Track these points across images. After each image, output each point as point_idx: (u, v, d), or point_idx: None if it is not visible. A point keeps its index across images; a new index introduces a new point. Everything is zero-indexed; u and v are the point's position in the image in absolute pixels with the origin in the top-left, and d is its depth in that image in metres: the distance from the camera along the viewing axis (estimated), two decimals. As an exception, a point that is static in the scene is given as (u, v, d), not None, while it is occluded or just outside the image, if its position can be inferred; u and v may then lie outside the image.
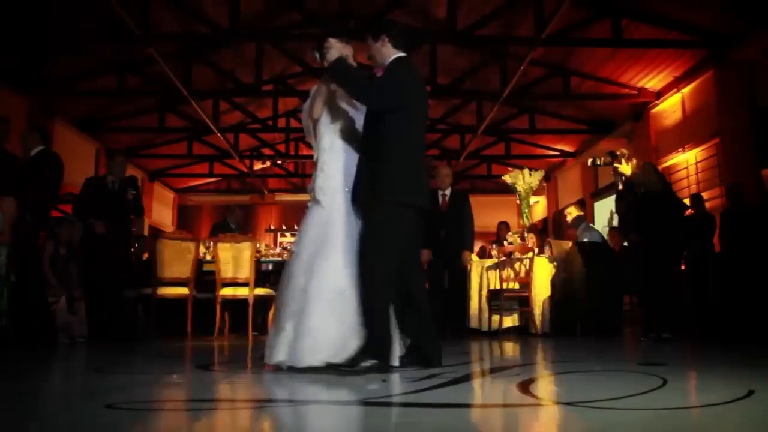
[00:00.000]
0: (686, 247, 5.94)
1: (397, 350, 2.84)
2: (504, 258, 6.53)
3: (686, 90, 8.06)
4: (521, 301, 6.30)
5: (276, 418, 1.78)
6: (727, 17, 6.61)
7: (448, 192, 6.16)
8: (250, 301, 5.89)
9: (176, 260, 6.03)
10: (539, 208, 13.71)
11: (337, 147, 3.01)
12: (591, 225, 7.02)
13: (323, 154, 3.01)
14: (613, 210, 5.71)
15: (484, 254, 8.87)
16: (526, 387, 2.16)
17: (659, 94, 8.57)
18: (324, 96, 3.00)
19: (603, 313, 5.90)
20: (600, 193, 10.89)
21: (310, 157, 3.22)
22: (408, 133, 2.87)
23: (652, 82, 8.43)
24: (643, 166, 5.33)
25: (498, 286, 6.25)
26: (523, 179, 6.67)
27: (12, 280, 4.60)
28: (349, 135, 3.03)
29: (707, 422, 1.62)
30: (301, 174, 13.72)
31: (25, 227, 4.78)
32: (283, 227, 13.98)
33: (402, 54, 2.97)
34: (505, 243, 6.91)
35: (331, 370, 2.61)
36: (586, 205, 10.46)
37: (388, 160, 2.82)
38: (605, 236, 7.03)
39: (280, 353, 2.71)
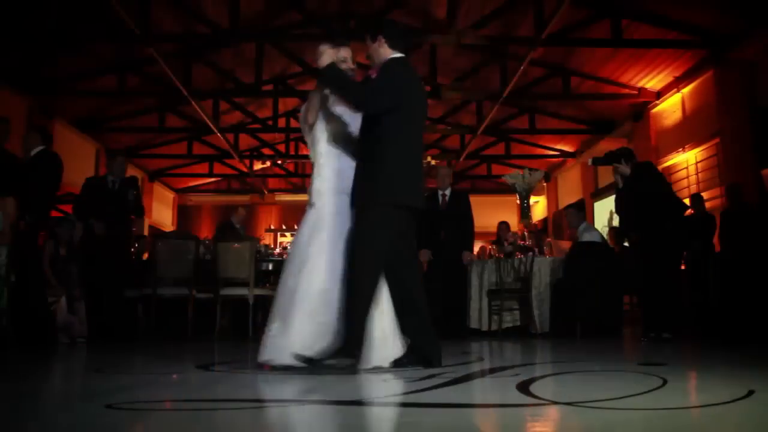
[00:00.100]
0: (686, 247, 5.94)
1: (378, 351, 2.84)
2: (504, 258, 6.52)
3: (686, 90, 8.06)
4: (521, 301, 6.30)
5: (275, 418, 1.78)
6: (727, 17, 6.61)
7: (448, 192, 6.16)
8: (251, 301, 5.88)
9: (176, 260, 6.02)
10: (539, 208, 13.72)
11: (332, 151, 3.04)
12: (591, 225, 7.02)
13: (319, 158, 3.05)
14: (613, 210, 5.71)
15: (484, 254, 8.87)
16: (526, 387, 2.15)
17: (659, 94, 8.57)
18: (318, 101, 3.03)
19: (603, 313, 5.89)
20: (600, 193, 10.89)
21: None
22: (404, 133, 2.86)
23: (652, 82, 8.43)
24: (636, 165, 5.31)
25: (498, 286, 6.24)
26: (524, 179, 6.67)
27: (12, 280, 4.60)
28: (344, 138, 3.04)
29: (707, 422, 1.62)
30: (301, 174, 13.72)
31: (26, 227, 4.78)
32: (283, 227, 13.98)
33: (399, 54, 2.96)
34: (505, 243, 6.91)
35: (323, 369, 2.62)
36: (585, 205, 10.46)
37: (383, 161, 2.82)
38: (605, 236, 7.03)
39: (264, 352, 2.80)
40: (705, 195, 7.01)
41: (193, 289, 5.99)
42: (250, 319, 5.83)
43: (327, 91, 3.04)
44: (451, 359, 3.25)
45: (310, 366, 2.64)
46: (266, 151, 12.57)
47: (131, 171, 9.23)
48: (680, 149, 8.22)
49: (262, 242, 9.00)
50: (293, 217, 13.04)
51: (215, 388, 2.38)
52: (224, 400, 2.05)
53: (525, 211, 6.92)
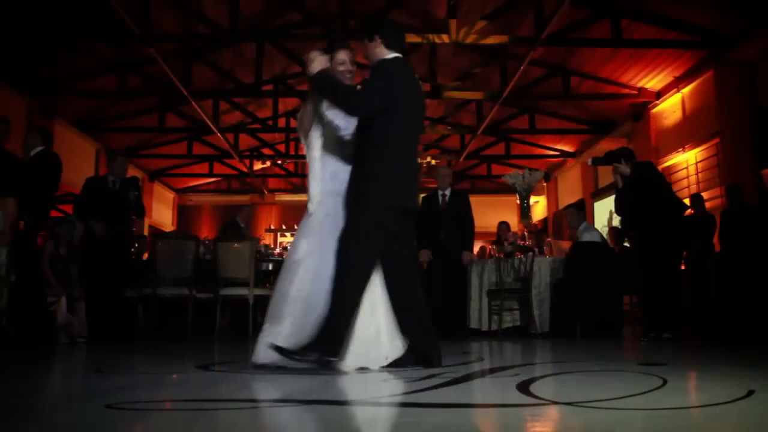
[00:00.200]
0: (686, 247, 5.94)
1: (373, 351, 2.83)
2: (504, 258, 6.52)
3: (686, 90, 8.06)
4: (521, 301, 6.30)
5: (275, 418, 1.78)
6: (727, 17, 6.61)
7: (448, 192, 6.16)
8: (251, 301, 5.88)
9: (176, 260, 6.02)
10: (539, 208, 13.72)
11: (328, 154, 3.05)
12: (591, 225, 7.02)
13: (314, 163, 3.07)
14: (613, 210, 5.70)
15: (484, 254, 8.87)
16: (526, 387, 2.15)
17: (659, 94, 8.57)
18: (313, 107, 3.04)
19: (603, 313, 5.90)
20: (600, 193, 10.89)
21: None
22: (398, 133, 2.84)
23: (652, 82, 8.43)
24: (636, 165, 5.30)
25: (498, 286, 6.24)
26: (524, 179, 6.68)
27: (12, 280, 4.60)
28: (339, 142, 3.04)
29: (707, 422, 1.62)
30: (301, 174, 13.72)
31: (26, 227, 4.79)
32: (283, 227, 14.00)
33: (396, 54, 2.94)
34: (505, 243, 6.91)
35: (294, 362, 2.65)
36: (585, 205, 10.46)
37: (376, 162, 2.81)
38: (605, 236, 7.03)
39: (255, 353, 2.87)
40: (705, 195, 7.01)
41: (193, 289, 5.99)
42: (250, 319, 5.83)
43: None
44: (451, 359, 3.25)
45: (282, 356, 2.66)
46: (266, 151, 12.57)
47: (131, 171, 9.22)
48: (680, 149, 8.22)
49: (262, 242, 9.01)
50: (293, 217, 13.05)
51: (215, 388, 2.38)
52: (224, 400, 2.05)
53: (525, 211, 6.93)
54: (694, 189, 7.77)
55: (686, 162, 8.26)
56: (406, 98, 2.88)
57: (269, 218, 14.50)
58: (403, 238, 2.96)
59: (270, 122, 10.64)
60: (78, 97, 8.86)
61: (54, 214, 6.00)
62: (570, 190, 12.18)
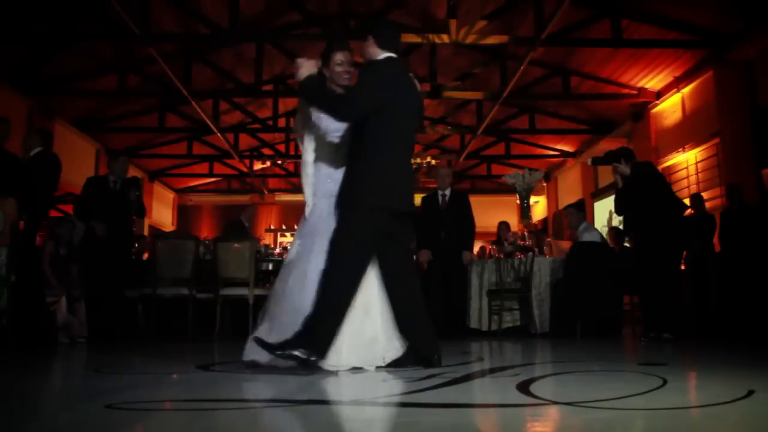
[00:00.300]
0: (686, 247, 5.94)
1: (369, 351, 2.83)
2: (504, 258, 6.52)
3: (686, 90, 8.06)
4: (521, 301, 6.30)
5: (275, 418, 1.78)
6: (727, 17, 6.61)
7: (448, 192, 6.15)
8: (251, 301, 5.88)
9: (176, 260, 6.02)
10: (539, 208, 13.72)
11: (322, 157, 3.06)
12: (591, 225, 7.02)
13: (307, 167, 3.09)
14: (613, 210, 5.70)
15: (484, 254, 8.87)
16: (526, 387, 2.15)
17: (659, 94, 8.57)
18: (304, 111, 3.06)
19: (603, 313, 5.89)
20: (600, 193, 10.89)
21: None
22: (389, 134, 2.83)
23: (652, 82, 8.44)
24: (636, 165, 5.30)
25: (498, 286, 6.24)
26: (524, 179, 6.68)
27: (12, 280, 4.60)
28: (333, 144, 3.04)
29: (707, 422, 1.62)
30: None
31: (26, 227, 4.78)
32: (283, 227, 14.00)
33: (389, 54, 2.92)
34: (505, 243, 6.91)
35: (277, 357, 2.68)
36: (585, 205, 10.46)
37: (367, 163, 2.81)
38: (605, 236, 7.03)
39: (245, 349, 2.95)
40: (705, 195, 7.01)
41: (193, 289, 5.99)
42: (250, 319, 5.82)
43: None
44: (451, 359, 3.25)
45: (266, 350, 2.70)
46: (266, 151, 12.57)
47: (131, 171, 9.22)
48: (680, 149, 8.22)
49: (262, 242, 9.00)
50: (293, 217, 13.05)
51: (215, 388, 2.37)
52: (224, 400, 2.05)
53: (525, 211, 6.93)
54: (694, 189, 7.77)
55: (686, 162, 8.26)
56: (396, 98, 2.86)
57: (269, 218, 14.50)
58: (399, 238, 2.95)
59: (270, 122, 10.64)
60: (78, 97, 8.86)
61: (54, 214, 5.99)
62: (570, 190, 12.19)
